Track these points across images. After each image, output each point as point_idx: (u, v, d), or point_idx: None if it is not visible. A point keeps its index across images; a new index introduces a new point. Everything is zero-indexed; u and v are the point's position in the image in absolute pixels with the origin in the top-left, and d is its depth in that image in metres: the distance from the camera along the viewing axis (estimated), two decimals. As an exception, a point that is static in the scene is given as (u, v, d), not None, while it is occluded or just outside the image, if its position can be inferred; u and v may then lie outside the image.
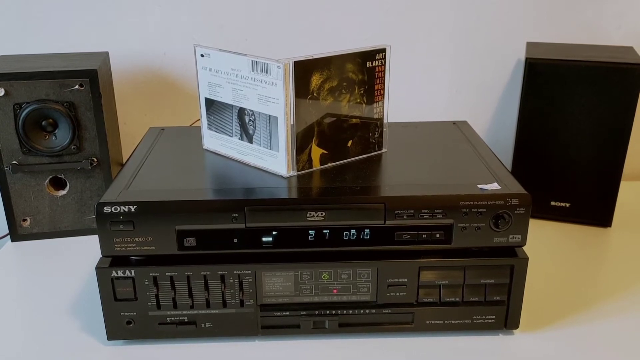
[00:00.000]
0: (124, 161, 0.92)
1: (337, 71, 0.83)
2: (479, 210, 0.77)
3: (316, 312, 0.81)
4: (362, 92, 0.87)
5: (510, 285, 0.80)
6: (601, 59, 1.03)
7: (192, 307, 0.79)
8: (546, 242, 1.05)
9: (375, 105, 0.89)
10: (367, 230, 0.78)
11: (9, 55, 1.12)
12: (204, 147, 0.94)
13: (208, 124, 0.92)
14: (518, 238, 0.78)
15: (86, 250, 1.03)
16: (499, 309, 0.81)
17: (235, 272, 0.78)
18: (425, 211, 0.77)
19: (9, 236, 1.08)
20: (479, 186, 0.79)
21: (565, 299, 0.90)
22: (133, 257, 0.78)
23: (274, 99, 0.80)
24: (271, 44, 1.23)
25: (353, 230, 0.78)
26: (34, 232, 1.08)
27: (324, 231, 0.77)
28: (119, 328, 0.79)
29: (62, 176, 1.06)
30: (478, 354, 0.79)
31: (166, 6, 1.20)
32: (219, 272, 0.78)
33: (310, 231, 0.77)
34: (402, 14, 1.23)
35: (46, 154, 1.03)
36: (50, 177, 1.06)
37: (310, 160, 0.85)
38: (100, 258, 0.78)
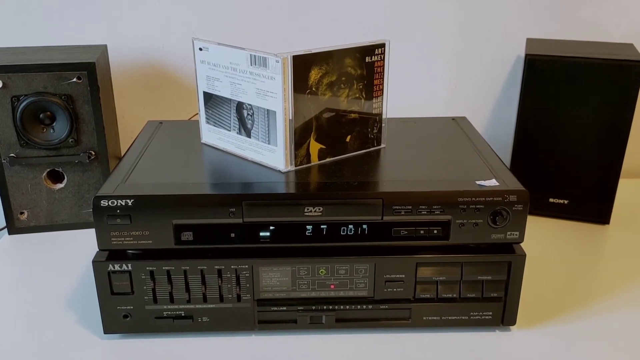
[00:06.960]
0: (122, 155, 0.91)
1: (336, 66, 0.83)
2: (477, 206, 0.76)
3: (313, 308, 0.81)
4: (361, 87, 0.87)
5: (508, 282, 0.80)
6: (601, 56, 1.03)
7: (189, 301, 0.79)
8: (544, 239, 1.05)
9: (374, 100, 0.89)
10: (364, 226, 0.77)
11: (6, 48, 1.11)
12: (202, 141, 0.94)
13: (206, 118, 0.92)
14: (516, 235, 0.78)
15: (83, 244, 1.03)
16: (496, 305, 0.81)
17: (232, 266, 0.78)
18: (423, 207, 0.77)
19: (6, 229, 1.08)
20: (477, 182, 0.79)
21: (563, 296, 0.90)
22: (130, 251, 0.78)
23: (272, 93, 0.80)
24: (270, 38, 1.23)
25: (351, 226, 0.77)
26: (31, 225, 1.08)
27: (322, 226, 0.77)
28: (116, 322, 0.79)
29: (60, 169, 1.06)
30: (475, 351, 0.79)
31: (165, -1, 1.20)
32: (216, 267, 0.78)
33: (307, 226, 0.77)
34: (401, 9, 1.23)
35: (44, 146, 1.03)
36: (48, 170, 1.05)
37: (308, 155, 0.85)
38: (97, 252, 0.78)
